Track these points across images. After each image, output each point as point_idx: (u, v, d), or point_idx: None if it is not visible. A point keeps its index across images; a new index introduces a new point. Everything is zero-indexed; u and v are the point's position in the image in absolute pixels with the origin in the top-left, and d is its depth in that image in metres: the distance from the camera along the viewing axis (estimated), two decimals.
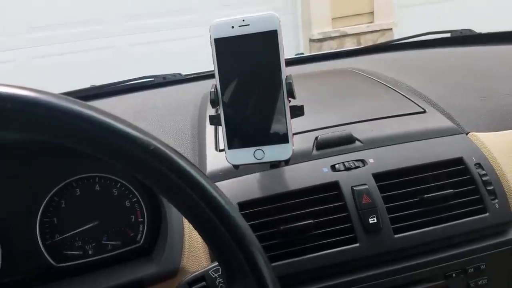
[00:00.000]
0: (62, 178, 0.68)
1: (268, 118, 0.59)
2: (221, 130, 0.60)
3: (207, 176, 0.39)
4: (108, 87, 1.10)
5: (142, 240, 0.69)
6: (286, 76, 0.57)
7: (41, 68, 2.96)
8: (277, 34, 0.56)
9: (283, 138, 0.59)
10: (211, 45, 0.57)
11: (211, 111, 0.68)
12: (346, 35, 3.34)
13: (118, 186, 0.69)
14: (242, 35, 0.56)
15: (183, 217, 0.65)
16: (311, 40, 3.34)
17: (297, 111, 0.59)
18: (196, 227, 0.40)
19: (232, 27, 0.56)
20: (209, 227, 0.38)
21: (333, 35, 3.31)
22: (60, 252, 0.67)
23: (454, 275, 0.66)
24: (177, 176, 0.37)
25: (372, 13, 3.43)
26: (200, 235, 0.40)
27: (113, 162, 0.38)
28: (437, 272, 0.66)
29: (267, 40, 0.56)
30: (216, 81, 0.58)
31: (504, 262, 0.68)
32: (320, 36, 3.29)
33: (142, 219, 0.70)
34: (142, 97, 1.07)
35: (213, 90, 0.58)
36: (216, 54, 0.57)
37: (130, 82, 1.11)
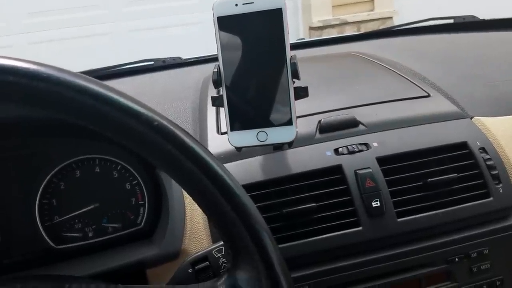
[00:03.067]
0: (62, 160, 0.67)
1: (271, 99, 0.58)
2: (224, 111, 0.59)
3: (211, 153, 0.38)
4: (106, 70, 1.09)
5: (142, 222, 0.69)
6: (291, 57, 0.56)
7: (39, 54, 2.93)
8: (282, 12, 0.54)
9: (286, 120, 0.58)
10: (214, 24, 0.56)
11: (212, 93, 0.67)
12: (346, 23, 3.32)
13: (118, 168, 0.69)
14: (246, 13, 0.55)
15: (185, 200, 0.65)
16: (311, 28, 3.32)
17: (301, 93, 0.58)
18: (200, 204, 0.39)
19: (236, 4, 0.55)
20: (214, 204, 0.38)
21: (333, 23, 3.29)
22: (60, 234, 0.67)
23: (457, 259, 0.66)
24: (182, 152, 0.37)
25: (372, 1, 3.40)
26: (205, 213, 0.40)
27: (116, 137, 0.37)
28: (440, 257, 0.66)
29: (272, 19, 0.55)
30: (219, 61, 0.57)
31: (508, 247, 0.68)
32: (320, 24, 3.27)
33: (142, 202, 0.69)
34: (141, 81, 1.06)
35: (215, 70, 0.57)
36: (219, 33, 0.56)
37: (129, 66, 1.09)
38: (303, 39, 1.40)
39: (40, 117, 0.56)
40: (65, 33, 2.98)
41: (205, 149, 0.38)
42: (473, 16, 1.25)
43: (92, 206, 0.68)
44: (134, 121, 0.35)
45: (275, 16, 0.55)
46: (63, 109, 0.35)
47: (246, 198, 0.39)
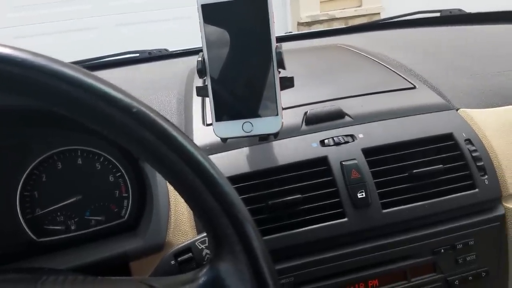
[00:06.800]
0: (42, 151, 0.65)
1: (257, 89, 0.57)
2: (209, 102, 0.58)
3: (192, 141, 0.38)
4: (91, 62, 1.07)
5: (126, 215, 0.68)
6: (276, 46, 0.55)
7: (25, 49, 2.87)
8: (266, 0, 0.53)
9: (272, 111, 0.57)
10: (198, 12, 0.55)
11: (198, 84, 0.66)
12: (334, 19, 3.32)
13: (101, 160, 0.67)
14: (230, 1, 0.54)
15: (169, 191, 0.64)
16: (299, 24, 3.31)
17: (287, 83, 0.58)
18: (182, 194, 0.38)
19: None
20: (196, 194, 0.37)
21: (321, 18, 3.29)
22: (42, 226, 0.65)
23: (442, 250, 0.66)
24: (162, 140, 0.36)
25: None
26: (186, 203, 0.39)
27: (93, 125, 0.36)
28: (425, 248, 0.66)
29: (256, 7, 0.54)
30: (203, 50, 0.56)
31: (493, 238, 0.68)
32: (308, 20, 3.26)
33: (126, 194, 0.68)
34: (126, 72, 1.04)
35: (200, 59, 0.56)
36: (203, 21, 0.55)
37: (114, 57, 1.08)
38: (291, 32, 1.40)
39: (18, 105, 0.54)
40: (51, 27, 2.94)
41: (186, 137, 0.37)
42: (460, 10, 1.25)
43: (74, 199, 0.66)
44: (111, 108, 0.34)
45: (260, 5, 0.54)
46: (39, 95, 0.34)
47: (228, 187, 0.38)
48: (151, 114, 0.36)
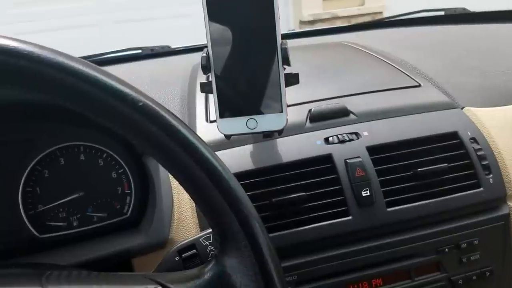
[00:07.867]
0: (45, 147, 0.65)
1: (262, 85, 0.56)
2: (213, 98, 0.58)
3: (198, 135, 0.37)
4: (93, 58, 1.07)
5: (129, 212, 0.67)
6: (281, 42, 0.55)
7: None
8: None
9: (277, 107, 0.56)
10: (202, 7, 0.55)
11: (202, 80, 0.66)
12: (337, 18, 3.31)
13: (104, 156, 0.67)
14: None
15: (172, 188, 0.63)
16: (302, 22, 3.31)
17: (292, 79, 0.57)
18: (187, 189, 0.38)
19: None
20: (201, 188, 0.37)
21: (324, 17, 3.28)
22: (44, 223, 0.65)
23: (446, 250, 0.66)
24: (167, 133, 0.35)
25: None
26: (192, 198, 0.38)
27: (99, 119, 0.35)
28: (430, 247, 0.65)
29: (262, 3, 0.53)
30: (208, 46, 0.56)
31: (497, 238, 0.68)
32: (311, 18, 3.26)
33: (129, 191, 0.68)
34: (128, 69, 1.03)
35: (204, 55, 0.56)
36: (208, 17, 0.55)
37: (116, 54, 1.07)
38: (293, 29, 1.39)
39: (21, 100, 0.54)
40: (52, 24, 2.93)
41: (192, 131, 0.37)
42: (464, 9, 1.25)
43: (76, 195, 0.66)
44: (118, 102, 0.34)
45: (266, 0, 0.53)
46: (45, 88, 0.34)
47: (234, 182, 0.38)
48: (157, 108, 0.35)
